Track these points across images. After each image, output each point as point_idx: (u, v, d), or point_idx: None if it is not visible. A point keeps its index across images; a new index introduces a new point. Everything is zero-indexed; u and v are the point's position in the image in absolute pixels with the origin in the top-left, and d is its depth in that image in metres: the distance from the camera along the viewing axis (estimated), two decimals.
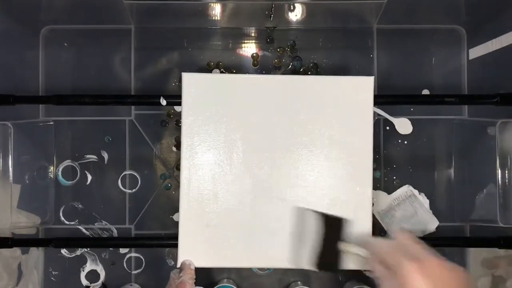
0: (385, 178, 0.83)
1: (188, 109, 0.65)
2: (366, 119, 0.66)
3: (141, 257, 0.83)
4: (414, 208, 0.82)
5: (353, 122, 0.66)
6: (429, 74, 0.84)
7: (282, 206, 0.65)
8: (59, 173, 0.83)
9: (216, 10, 0.79)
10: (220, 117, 0.65)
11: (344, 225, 0.62)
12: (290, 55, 0.84)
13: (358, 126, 0.66)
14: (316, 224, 0.62)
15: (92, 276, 0.83)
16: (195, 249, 0.65)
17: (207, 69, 0.84)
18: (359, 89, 0.66)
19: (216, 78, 0.67)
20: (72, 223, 0.83)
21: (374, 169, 0.83)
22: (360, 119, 0.66)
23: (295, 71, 0.83)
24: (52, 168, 0.83)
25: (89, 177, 0.83)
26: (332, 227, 0.61)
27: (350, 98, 0.66)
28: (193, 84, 0.65)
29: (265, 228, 0.65)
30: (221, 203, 0.65)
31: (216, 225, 0.64)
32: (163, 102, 0.69)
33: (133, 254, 0.83)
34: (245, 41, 0.85)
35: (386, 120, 0.83)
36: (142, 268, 0.83)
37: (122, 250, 0.83)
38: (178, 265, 0.65)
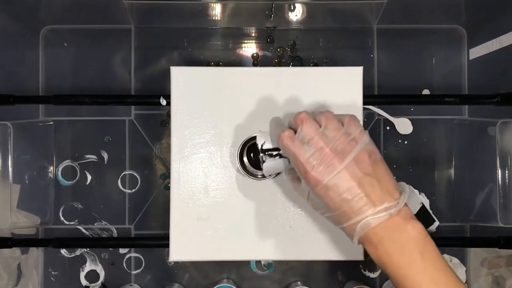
0: None
1: (177, 103, 0.65)
2: (356, 109, 0.66)
3: (141, 257, 0.83)
4: (413, 207, 0.82)
5: (343, 112, 0.66)
6: (429, 74, 0.84)
7: (273, 198, 0.65)
8: (59, 173, 0.83)
9: (216, 10, 0.79)
10: (210, 110, 0.65)
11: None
12: (290, 55, 0.84)
13: None
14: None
15: (92, 276, 0.83)
16: (186, 243, 0.64)
17: None
18: (348, 80, 0.66)
19: (205, 71, 0.66)
20: (72, 223, 0.83)
21: None
22: (350, 109, 0.66)
23: None
24: (52, 168, 0.83)
25: (89, 177, 0.83)
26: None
27: (340, 89, 0.65)
28: (181, 78, 0.65)
29: (257, 221, 0.64)
30: (212, 196, 0.64)
31: (207, 218, 0.64)
32: (163, 102, 0.68)
33: (133, 254, 0.83)
34: (245, 41, 0.85)
35: (386, 120, 0.83)
36: (142, 268, 0.83)
37: (122, 250, 0.83)
38: (170, 260, 0.65)
